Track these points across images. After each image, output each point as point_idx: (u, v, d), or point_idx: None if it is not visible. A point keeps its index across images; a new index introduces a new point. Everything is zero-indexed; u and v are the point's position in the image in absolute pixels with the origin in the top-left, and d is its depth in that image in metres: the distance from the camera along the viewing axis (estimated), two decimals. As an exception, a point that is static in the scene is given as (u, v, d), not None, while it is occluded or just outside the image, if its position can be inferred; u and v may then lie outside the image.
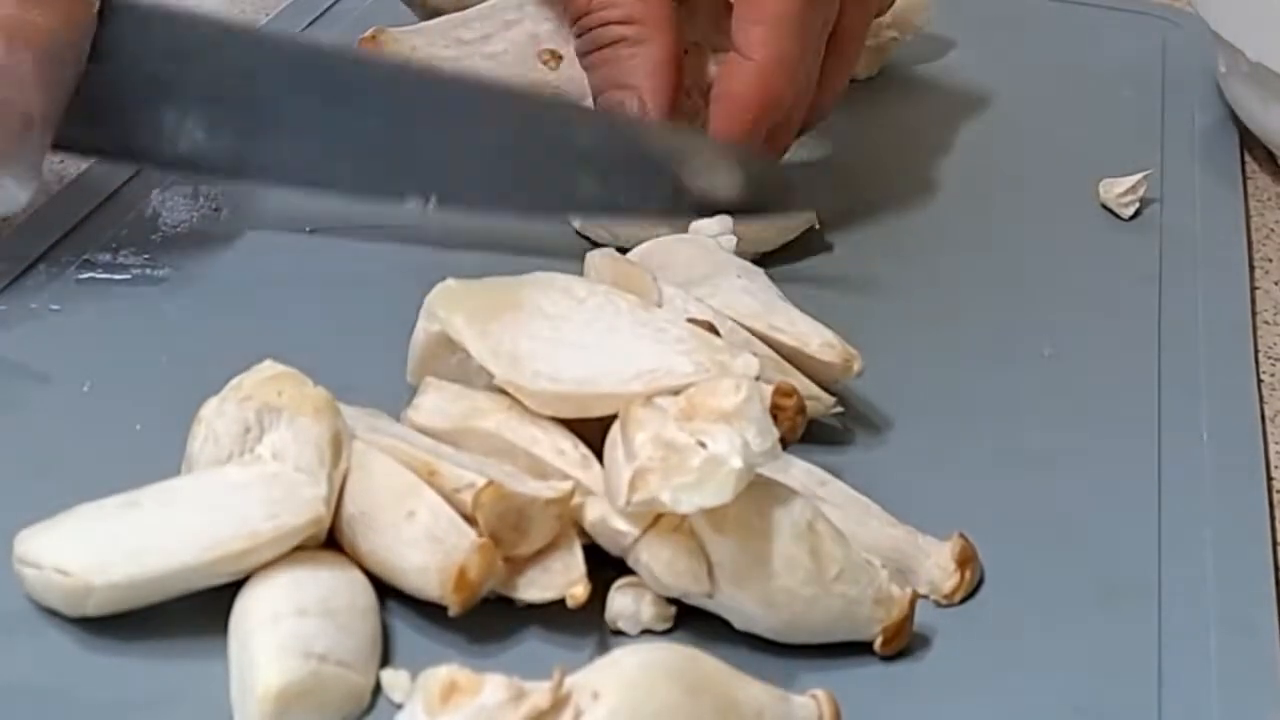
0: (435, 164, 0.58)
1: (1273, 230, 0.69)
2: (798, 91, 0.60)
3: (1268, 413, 0.57)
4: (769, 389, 0.47)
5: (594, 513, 0.45)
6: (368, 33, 0.67)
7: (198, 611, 0.44)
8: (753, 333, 0.52)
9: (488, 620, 0.45)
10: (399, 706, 0.42)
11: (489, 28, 0.67)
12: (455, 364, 0.49)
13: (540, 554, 0.45)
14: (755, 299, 0.53)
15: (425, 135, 0.58)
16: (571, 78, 0.63)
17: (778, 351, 0.52)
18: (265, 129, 0.58)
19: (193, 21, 0.58)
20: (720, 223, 0.58)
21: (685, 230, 0.57)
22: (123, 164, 0.61)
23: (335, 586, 0.44)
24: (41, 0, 0.53)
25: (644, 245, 0.57)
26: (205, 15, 0.60)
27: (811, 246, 0.62)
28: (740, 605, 0.45)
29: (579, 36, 0.61)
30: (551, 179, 0.59)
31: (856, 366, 0.52)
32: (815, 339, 0.52)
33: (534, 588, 0.45)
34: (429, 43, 0.67)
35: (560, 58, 0.66)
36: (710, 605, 0.45)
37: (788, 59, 0.59)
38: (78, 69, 0.55)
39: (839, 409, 0.53)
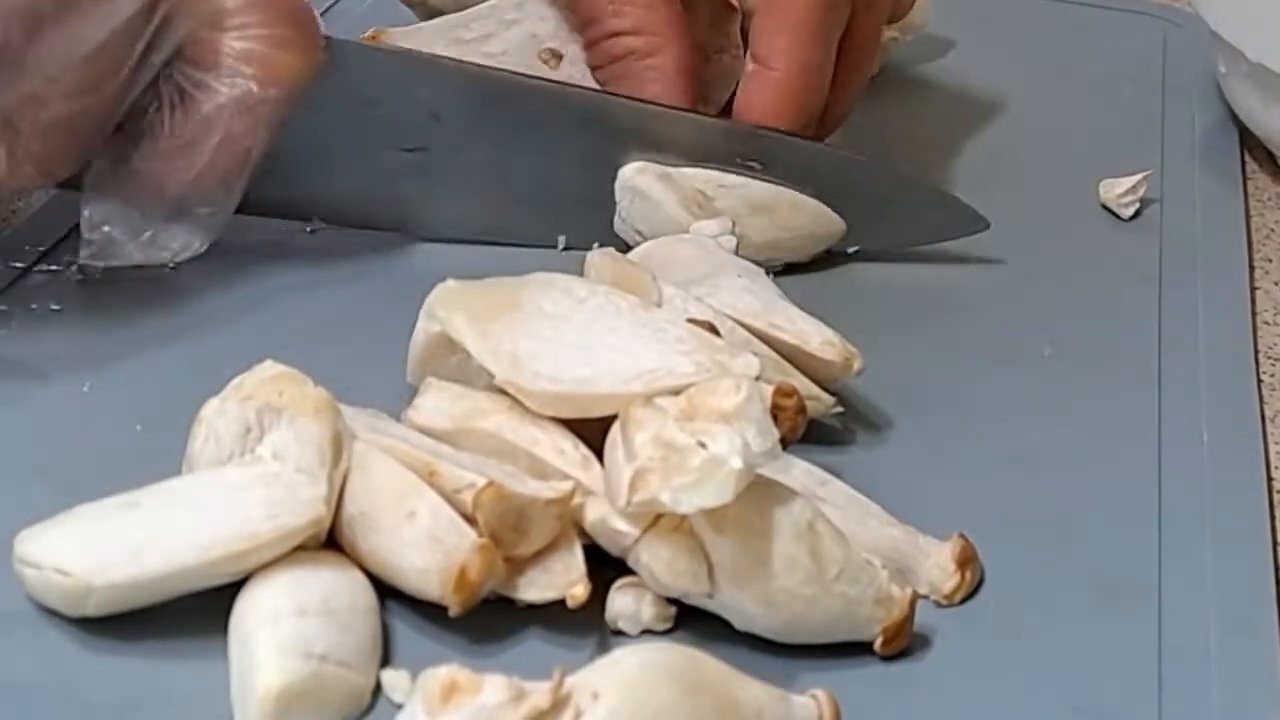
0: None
1: (1273, 230, 0.69)
2: (820, 100, 0.60)
3: (1268, 413, 0.57)
4: (769, 389, 0.47)
5: (594, 513, 0.45)
6: (367, 33, 0.67)
7: (198, 611, 0.44)
8: (752, 331, 0.52)
9: (488, 620, 0.45)
10: (399, 707, 0.42)
11: (489, 27, 0.67)
12: (455, 364, 0.49)
13: (540, 554, 0.45)
14: (755, 298, 0.53)
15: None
16: (571, 76, 0.63)
17: (778, 350, 0.52)
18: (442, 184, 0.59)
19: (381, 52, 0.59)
20: (720, 223, 0.58)
21: None
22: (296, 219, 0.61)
23: (336, 587, 0.44)
24: (290, 43, 0.54)
25: (644, 245, 0.57)
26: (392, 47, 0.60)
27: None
28: (740, 605, 0.45)
29: (589, 49, 0.61)
30: None
31: (856, 365, 0.52)
32: (815, 337, 0.52)
33: (534, 588, 0.45)
34: (429, 43, 0.67)
35: (560, 57, 0.65)
36: (710, 605, 0.45)
37: (811, 68, 0.59)
38: (287, 117, 0.55)
39: (839, 409, 0.53)
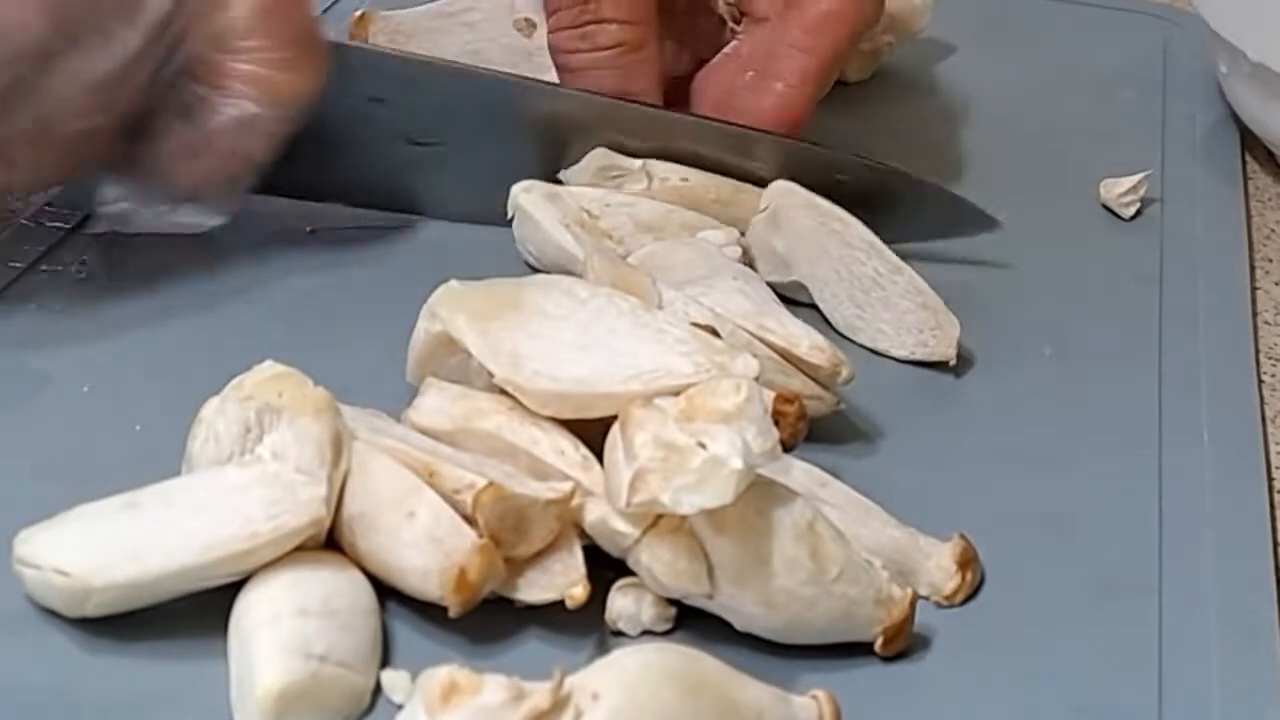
0: None
1: (1273, 230, 0.69)
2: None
3: (1268, 413, 0.57)
4: (770, 392, 0.47)
5: (594, 514, 0.45)
6: (355, 14, 0.69)
7: (198, 612, 0.44)
8: (745, 330, 0.52)
9: (488, 621, 0.45)
10: (399, 707, 0.42)
11: (470, 1, 0.67)
12: (455, 364, 0.49)
13: (540, 555, 0.45)
14: (748, 300, 0.53)
15: None
16: (545, 45, 0.63)
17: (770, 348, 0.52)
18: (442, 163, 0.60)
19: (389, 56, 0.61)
20: (726, 234, 0.58)
21: None
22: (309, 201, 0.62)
23: (336, 587, 0.44)
24: (294, 65, 0.55)
25: (647, 248, 0.57)
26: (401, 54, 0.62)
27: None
28: (741, 606, 0.45)
29: (567, 29, 0.61)
30: None
31: (845, 372, 0.52)
32: (805, 341, 0.52)
33: (534, 589, 0.45)
34: (414, 20, 0.68)
35: (535, 25, 0.67)
36: (710, 606, 0.45)
37: (824, 89, 0.61)
38: (301, 122, 0.57)
39: (841, 406, 0.53)
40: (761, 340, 0.52)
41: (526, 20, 0.67)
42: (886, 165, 0.61)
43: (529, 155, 0.60)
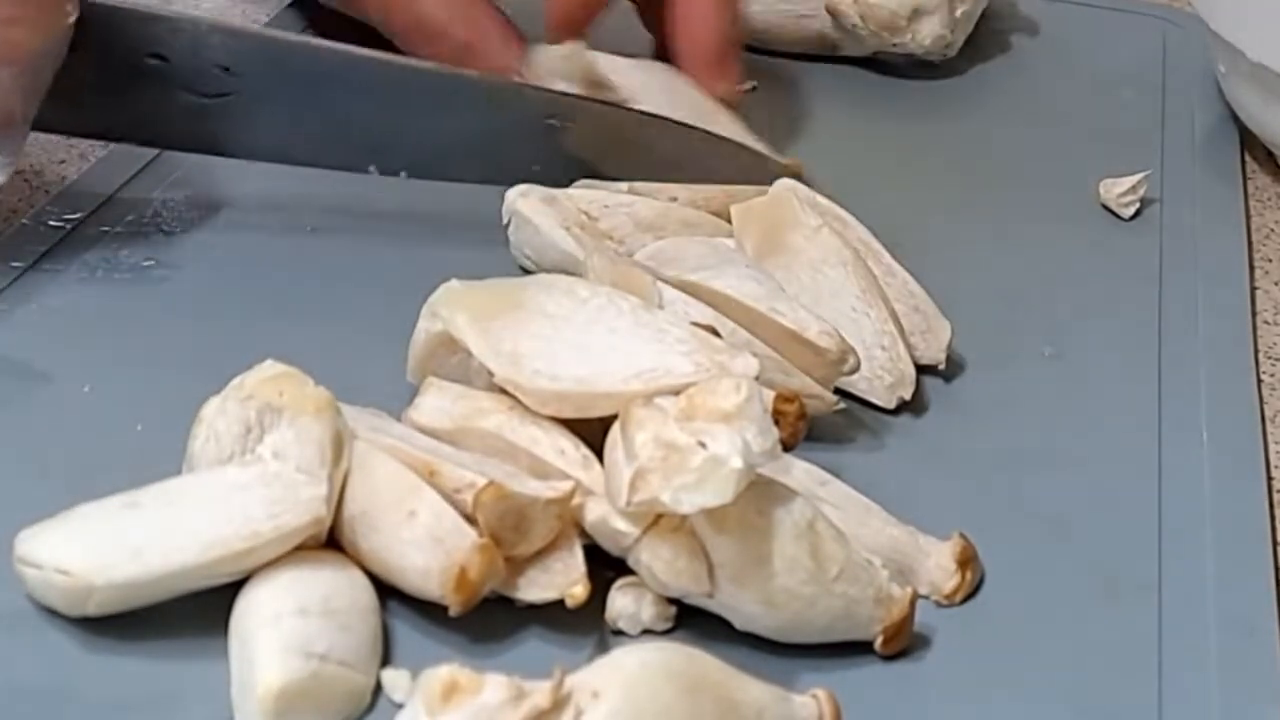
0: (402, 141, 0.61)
1: (1273, 230, 0.69)
2: None
3: (1268, 413, 0.57)
4: (770, 392, 0.47)
5: (594, 513, 0.45)
6: None
7: (198, 611, 0.44)
8: (753, 314, 0.52)
9: (488, 620, 0.45)
10: (400, 706, 0.42)
11: None
12: (456, 364, 0.50)
13: (540, 554, 0.45)
14: (759, 285, 0.53)
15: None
16: None
17: (776, 336, 0.52)
18: (236, 110, 0.60)
19: (166, 18, 0.60)
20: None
21: None
22: (95, 140, 0.63)
23: (336, 586, 0.44)
24: (22, 19, 0.55)
25: (656, 243, 0.57)
26: (178, 13, 0.61)
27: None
28: (741, 605, 0.45)
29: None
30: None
31: (852, 361, 0.52)
32: (814, 326, 0.52)
33: (534, 588, 0.45)
34: None
35: None
36: (711, 605, 0.45)
37: None
38: (55, 68, 0.57)
39: (841, 406, 0.53)
40: (771, 322, 0.52)
41: None
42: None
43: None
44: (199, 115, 0.60)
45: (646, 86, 0.64)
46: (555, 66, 0.63)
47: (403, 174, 0.61)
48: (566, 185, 0.60)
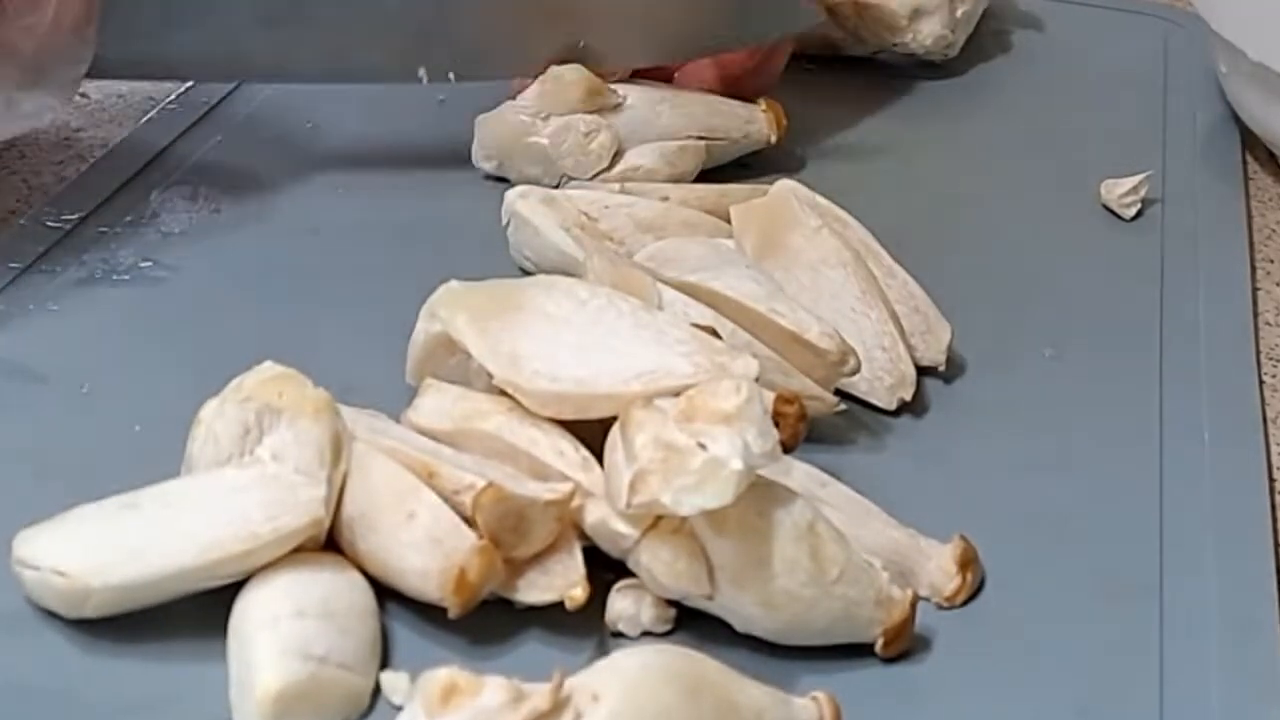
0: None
1: (1274, 231, 0.69)
2: None
3: (1269, 414, 0.57)
4: (770, 393, 0.47)
5: (594, 515, 0.45)
6: None
7: (197, 613, 0.44)
8: (752, 315, 0.52)
9: (487, 622, 0.45)
10: (399, 708, 0.42)
11: None
12: (455, 365, 0.49)
13: (540, 556, 0.45)
14: (759, 285, 0.53)
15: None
16: None
17: (776, 336, 0.52)
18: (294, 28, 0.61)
19: None
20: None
21: None
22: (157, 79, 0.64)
23: (335, 588, 0.44)
24: None
25: (653, 245, 0.57)
26: None
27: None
28: (740, 607, 0.45)
29: None
30: None
31: (852, 362, 0.52)
32: (815, 327, 0.52)
33: (534, 590, 0.45)
34: None
35: None
36: (710, 607, 0.45)
37: None
38: None
39: (842, 407, 0.53)
40: (771, 322, 0.52)
41: None
42: None
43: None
44: (259, 38, 0.61)
45: None
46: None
47: (451, 76, 0.62)
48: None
